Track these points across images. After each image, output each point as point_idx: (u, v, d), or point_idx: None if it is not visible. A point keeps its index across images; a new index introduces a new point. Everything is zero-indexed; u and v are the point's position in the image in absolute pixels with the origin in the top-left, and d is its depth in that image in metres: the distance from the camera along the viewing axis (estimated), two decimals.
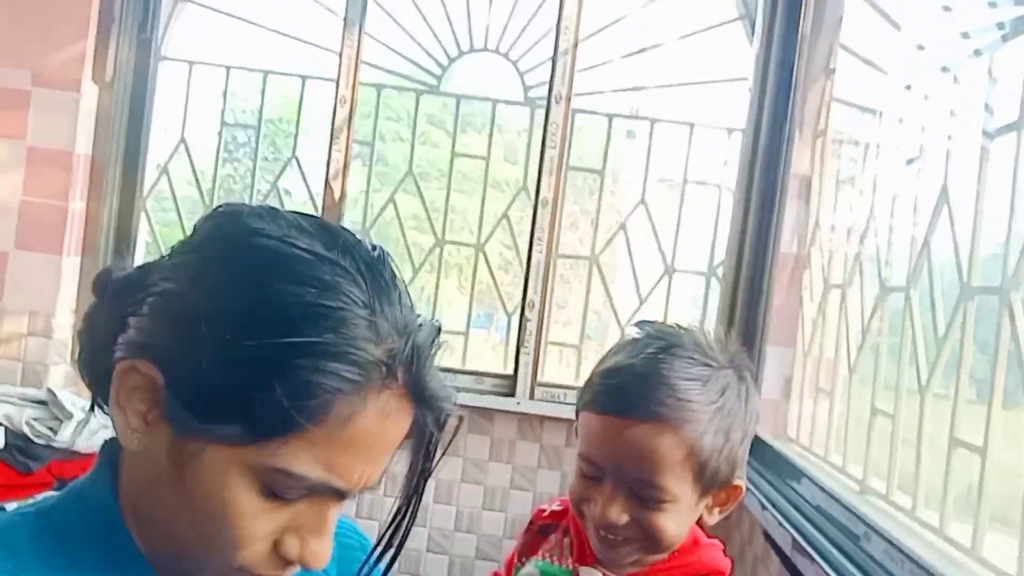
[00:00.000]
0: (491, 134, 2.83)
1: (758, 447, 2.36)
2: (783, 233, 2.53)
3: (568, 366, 2.97)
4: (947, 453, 1.58)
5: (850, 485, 1.94)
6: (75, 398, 2.32)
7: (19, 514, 0.67)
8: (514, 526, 2.63)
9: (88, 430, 2.23)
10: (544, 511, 1.22)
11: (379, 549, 0.68)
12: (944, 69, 1.89)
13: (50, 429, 2.22)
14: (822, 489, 1.84)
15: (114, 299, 0.66)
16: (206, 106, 2.96)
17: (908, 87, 2.06)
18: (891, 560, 1.46)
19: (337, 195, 2.68)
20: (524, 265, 2.66)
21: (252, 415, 0.59)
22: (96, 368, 0.67)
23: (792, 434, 2.42)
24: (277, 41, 2.84)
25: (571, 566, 1.11)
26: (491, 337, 5.32)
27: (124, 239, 2.62)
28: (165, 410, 0.62)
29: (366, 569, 0.73)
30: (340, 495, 0.64)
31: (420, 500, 0.68)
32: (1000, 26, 1.65)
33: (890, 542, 1.50)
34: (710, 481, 1.00)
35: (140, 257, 2.75)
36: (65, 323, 2.61)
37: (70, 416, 2.24)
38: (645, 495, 1.00)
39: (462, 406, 0.67)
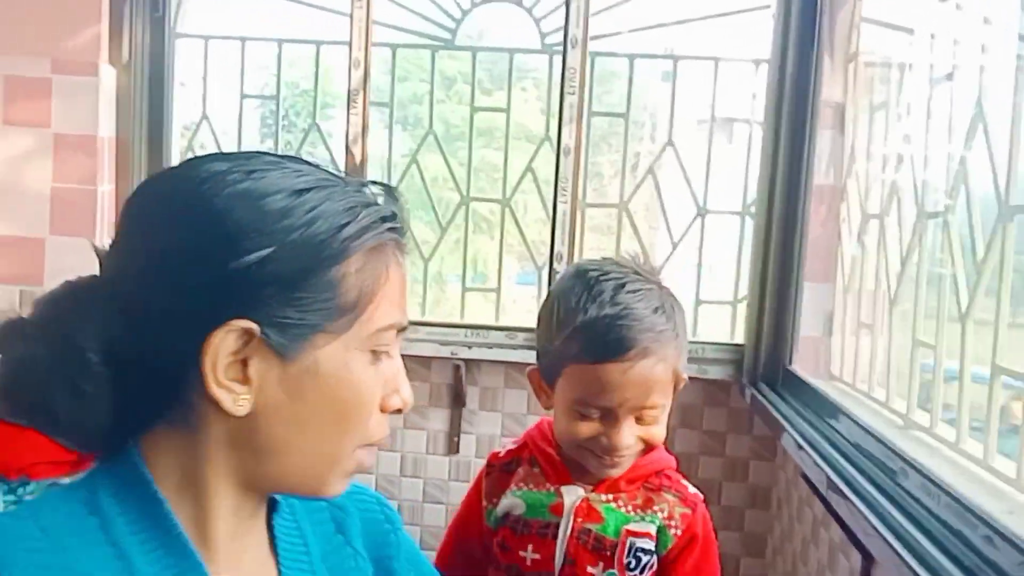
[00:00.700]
0: (510, 85, 2.77)
1: (795, 386, 2.30)
2: (819, 165, 2.43)
3: None
4: (990, 381, 1.51)
5: (894, 420, 1.88)
6: None
7: (56, 491, 0.69)
8: None
9: None
10: (499, 453, 1.35)
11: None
12: None
13: None
14: (859, 425, 1.78)
15: (82, 314, 0.72)
16: (223, 81, 2.96)
17: None
18: (927, 495, 1.41)
19: (359, 159, 2.66)
20: (550, 217, 2.61)
21: (346, 294, 0.68)
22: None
23: (836, 371, 2.34)
24: (290, 8, 2.81)
25: (551, 488, 1.24)
26: (542, 294, 5.27)
27: None
28: (266, 350, 0.67)
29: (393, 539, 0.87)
30: (402, 331, 0.74)
31: None
32: None
33: (927, 477, 1.44)
34: (677, 382, 1.20)
35: None
36: None
37: None
38: (646, 416, 1.18)
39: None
